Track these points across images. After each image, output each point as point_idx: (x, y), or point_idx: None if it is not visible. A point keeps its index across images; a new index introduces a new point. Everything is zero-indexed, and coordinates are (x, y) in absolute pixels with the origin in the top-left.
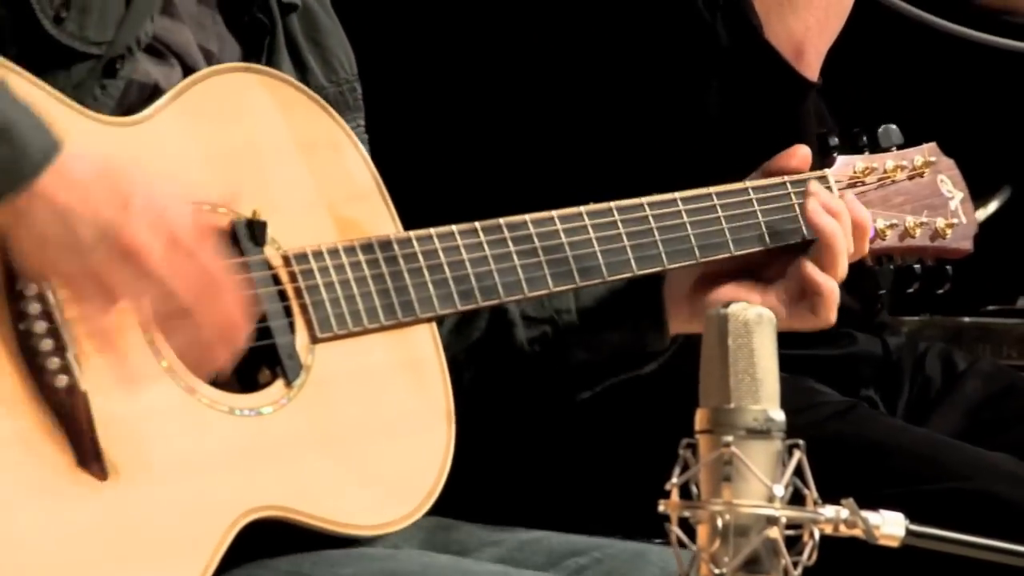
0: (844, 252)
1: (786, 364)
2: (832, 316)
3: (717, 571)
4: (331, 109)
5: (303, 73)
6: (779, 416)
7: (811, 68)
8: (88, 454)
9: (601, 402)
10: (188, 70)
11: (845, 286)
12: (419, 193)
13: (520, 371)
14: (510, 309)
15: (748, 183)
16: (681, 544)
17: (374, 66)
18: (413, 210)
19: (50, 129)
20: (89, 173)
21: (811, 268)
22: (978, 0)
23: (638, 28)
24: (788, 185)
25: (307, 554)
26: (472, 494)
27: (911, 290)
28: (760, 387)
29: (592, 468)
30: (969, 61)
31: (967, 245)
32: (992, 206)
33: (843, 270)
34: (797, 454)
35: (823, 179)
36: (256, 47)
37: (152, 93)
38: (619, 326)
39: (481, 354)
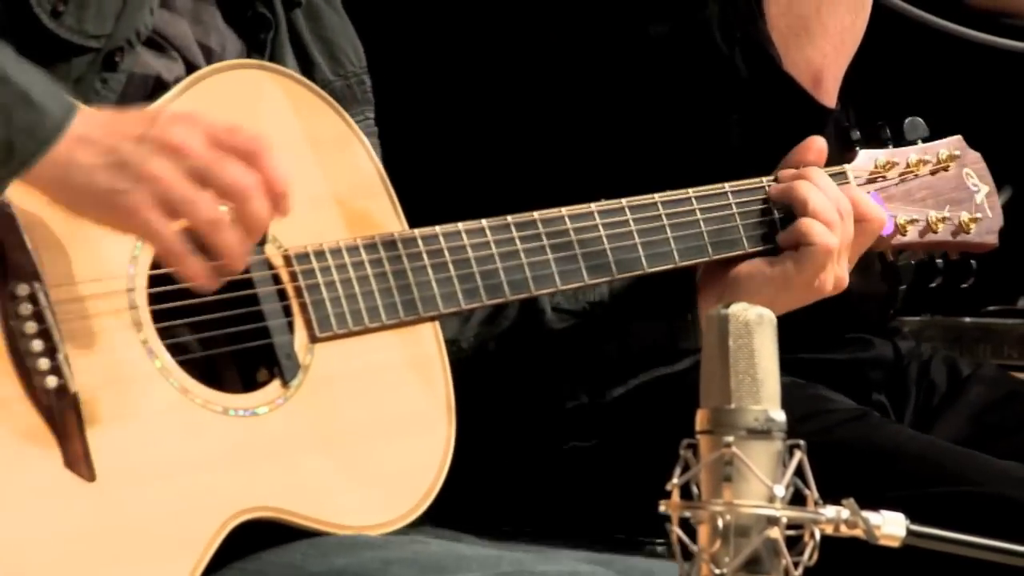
0: (817, 200)
1: (798, 368)
2: (826, 265)
3: (718, 571)
4: (337, 105)
5: (308, 69)
6: (780, 416)
7: (829, 95)
8: (76, 455)
9: (633, 400)
10: (189, 64)
11: (860, 291)
12: (427, 188)
13: (550, 362)
14: (541, 299)
15: (765, 179)
16: (682, 544)
17: (384, 62)
18: (421, 205)
19: (62, 93)
20: (107, 119)
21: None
22: (974, 2)
23: (656, 63)
24: None
25: (297, 543)
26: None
27: (933, 284)
28: (761, 387)
29: (618, 467)
30: (969, 61)
31: (992, 239)
32: None
33: (826, 212)
34: (798, 454)
35: (842, 174)
36: (259, 42)
37: (154, 86)
38: (652, 320)
39: (511, 343)
